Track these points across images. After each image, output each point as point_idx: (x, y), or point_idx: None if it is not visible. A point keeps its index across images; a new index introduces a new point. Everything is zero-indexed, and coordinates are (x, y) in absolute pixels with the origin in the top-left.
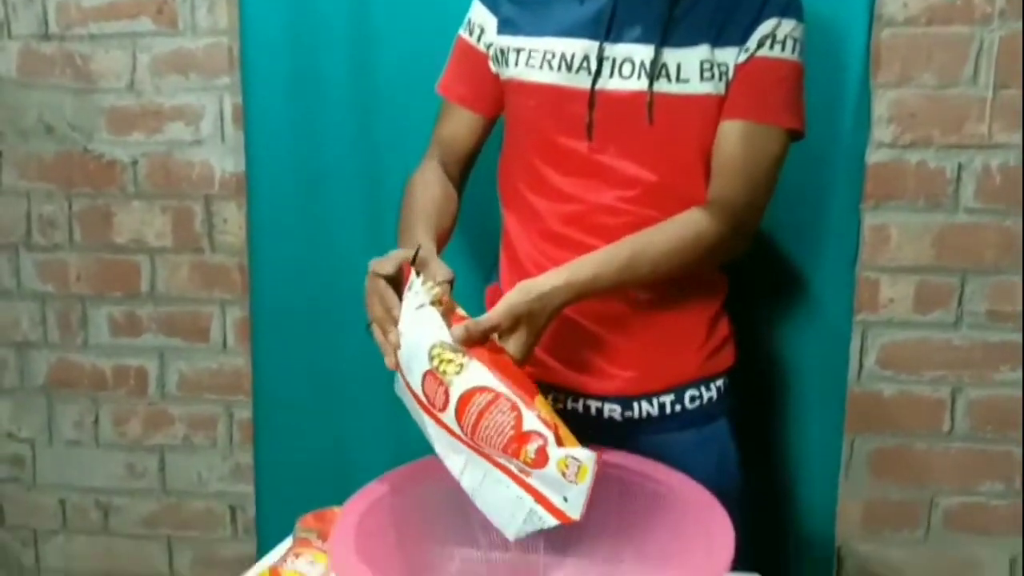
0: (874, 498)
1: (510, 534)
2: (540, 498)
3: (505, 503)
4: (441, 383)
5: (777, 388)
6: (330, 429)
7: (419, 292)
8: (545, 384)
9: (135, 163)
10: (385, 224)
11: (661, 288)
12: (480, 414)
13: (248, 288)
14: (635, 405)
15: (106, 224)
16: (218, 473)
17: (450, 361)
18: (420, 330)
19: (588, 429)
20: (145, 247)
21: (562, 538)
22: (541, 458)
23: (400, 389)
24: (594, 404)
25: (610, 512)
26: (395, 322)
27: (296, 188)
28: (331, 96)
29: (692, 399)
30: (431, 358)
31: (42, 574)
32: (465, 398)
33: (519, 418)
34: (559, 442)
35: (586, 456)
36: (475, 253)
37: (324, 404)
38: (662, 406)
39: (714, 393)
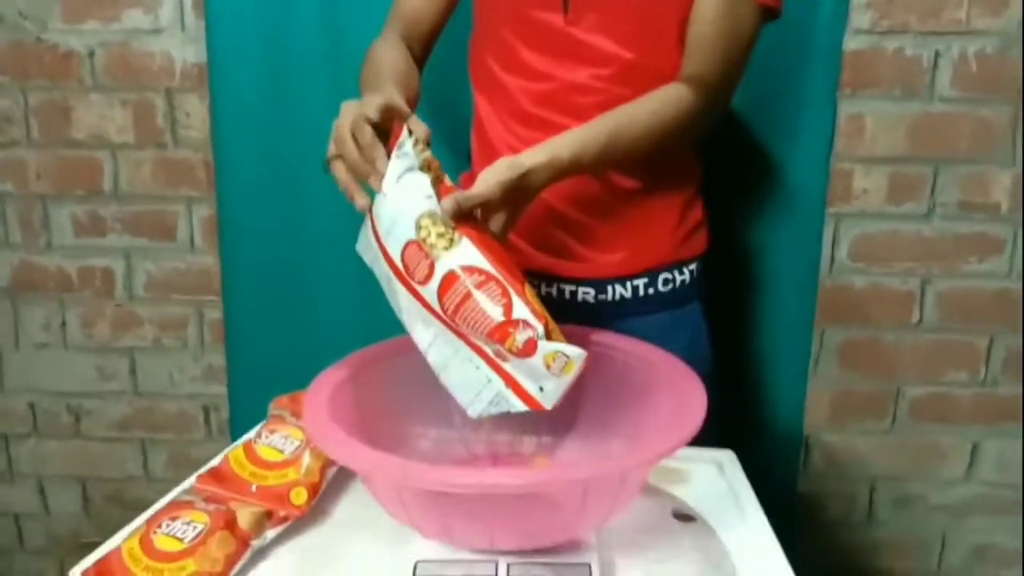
0: (842, 389)
1: (473, 412)
2: (512, 383)
3: (473, 382)
4: (427, 256)
5: (750, 277)
6: (303, 327)
7: (409, 154)
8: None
9: (92, 54)
10: None
11: (635, 171)
12: (467, 295)
13: (214, 185)
14: (609, 288)
15: (64, 119)
16: (190, 374)
17: (440, 235)
18: (407, 196)
19: (562, 312)
20: (106, 143)
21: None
22: (529, 348)
23: (365, 247)
24: (568, 288)
25: (584, 386)
26: (374, 173)
27: (260, 78)
28: None
29: (665, 282)
30: (418, 228)
31: (15, 478)
32: (452, 276)
33: (509, 305)
34: (548, 335)
35: (575, 354)
36: (448, 141)
37: (295, 302)
38: (635, 289)
39: (687, 277)
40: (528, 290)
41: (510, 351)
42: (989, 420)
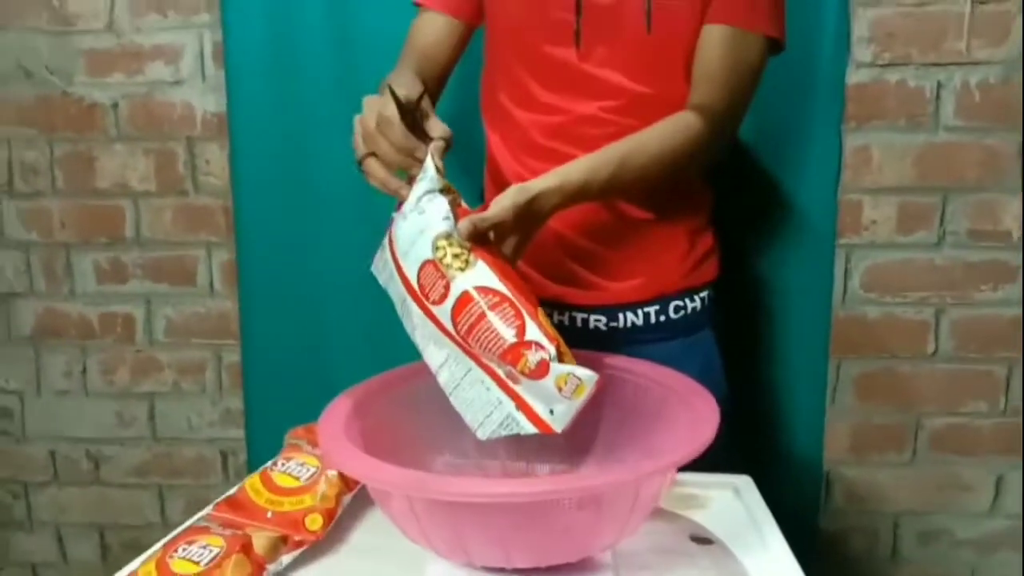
0: (860, 421)
1: (482, 434)
2: (523, 405)
3: (483, 404)
4: (443, 276)
5: (763, 308)
6: (320, 371)
7: (432, 177)
8: None
9: (115, 105)
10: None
11: (646, 199)
12: (481, 316)
13: (233, 230)
14: (620, 315)
15: (88, 169)
16: (208, 419)
17: (456, 255)
18: (427, 217)
19: (574, 340)
20: (128, 191)
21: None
22: (541, 369)
23: (380, 267)
24: (579, 315)
25: (598, 410)
26: (415, 163)
27: (279, 126)
28: (312, 30)
29: (677, 309)
30: (435, 248)
31: (34, 527)
32: (466, 297)
33: (522, 327)
34: (560, 358)
35: (587, 376)
36: (460, 177)
37: (313, 345)
38: (647, 316)
39: (698, 304)
40: (541, 313)
41: (522, 372)
42: (1012, 450)
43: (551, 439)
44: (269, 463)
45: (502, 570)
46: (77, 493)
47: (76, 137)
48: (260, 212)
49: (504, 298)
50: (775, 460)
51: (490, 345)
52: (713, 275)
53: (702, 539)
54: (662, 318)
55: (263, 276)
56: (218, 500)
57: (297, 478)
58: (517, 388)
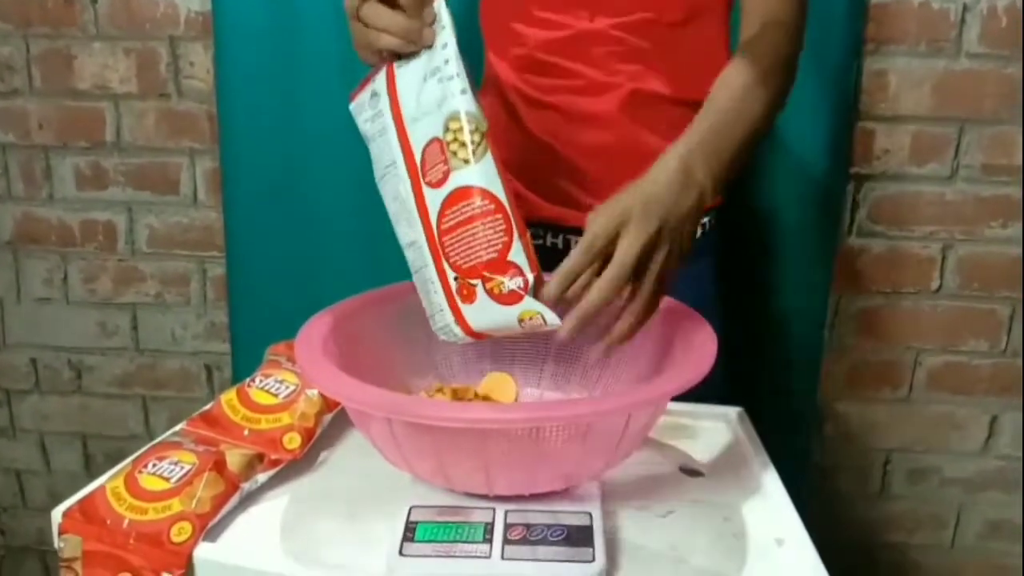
0: (858, 357)
1: (432, 326)
2: (462, 322)
3: (430, 302)
4: (445, 161)
5: (766, 240)
6: (308, 286)
7: (448, 27)
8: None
9: (95, 1)
10: (360, 64)
11: (646, 117)
12: (470, 219)
13: (218, 137)
14: None
15: (67, 68)
16: (193, 332)
17: (463, 144)
18: (447, 87)
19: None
20: (109, 93)
21: (532, 365)
22: (512, 298)
23: (367, 112)
24: (573, 238)
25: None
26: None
27: (267, 26)
28: None
29: None
30: (446, 128)
31: (16, 434)
32: (462, 193)
33: (508, 245)
34: (535, 291)
35: (553, 322)
36: None
37: (301, 259)
38: None
39: (697, 230)
40: (528, 237)
41: (490, 293)
42: (1008, 392)
43: (540, 357)
44: (247, 379)
45: (485, 495)
46: (59, 402)
47: (53, 33)
48: (246, 118)
49: (500, 209)
50: (769, 394)
51: (468, 252)
52: (717, 200)
53: (692, 470)
54: None
55: (249, 186)
56: (193, 415)
57: (275, 395)
58: (463, 306)
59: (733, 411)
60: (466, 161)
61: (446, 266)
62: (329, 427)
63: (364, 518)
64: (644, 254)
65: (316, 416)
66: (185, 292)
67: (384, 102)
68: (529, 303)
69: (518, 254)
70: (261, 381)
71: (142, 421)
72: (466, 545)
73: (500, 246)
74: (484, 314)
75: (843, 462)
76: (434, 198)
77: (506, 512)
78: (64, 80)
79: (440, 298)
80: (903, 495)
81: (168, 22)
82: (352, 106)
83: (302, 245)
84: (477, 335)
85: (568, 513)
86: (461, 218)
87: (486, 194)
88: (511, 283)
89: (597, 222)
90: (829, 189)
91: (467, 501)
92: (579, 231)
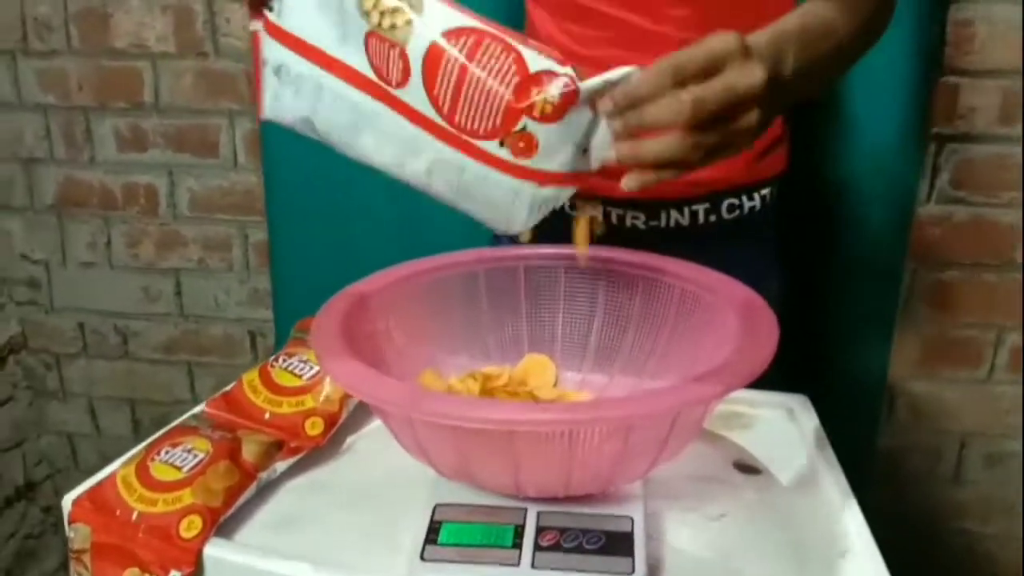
0: (933, 334)
1: (515, 227)
2: (544, 177)
3: (499, 199)
4: (392, 44)
5: (834, 206)
6: (350, 251)
7: None
8: None
9: None
10: None
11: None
12: (463, 69)
13: (256, 97)
14: (662, 213)
15: (103, 26)
16: (236, 298)
17: (393, 11)
18: None
19: (607, 241)
20: (146, 52)
21: (575, 346)
22: (569, 98)
23: (294, 91)
24: (615, 211)
25: (631, 315)
26: None
27: None
28: None
29: (731, 208)
30: (365, 12)
31: (67, 397)
32: (434, 55)
33: (520, 59)
34: (581, 75)
35: (623, 72)
36: None
37: (342, 224)
38: (694, 215)
39: (757, 203)
40: (532, 41)
41: (542, 115)
42: None
43: (582, 338)
44: (272, 358)
45: (514, 495)
46: (107, 366)
47: None
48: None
49: (480, 34)
50: (834, 373)
51: (489, 106)
52: (780, 168)
53: (747, 467)
54: (712, 218)
55: (288, 149)
56: (215, 395)
57: (299, 376)
58: (530, 163)
59: (796, 399)
60: (409, 22)
61: (482, 144)
62: (355, 411)
63: (387, 515)
64: (742, 100)
65: (341, 400)
66: (227, 258)
67: (295, 62)
68: (588, 84)
69: (535, 59)
70: (285, 361)
71: (188, 387)
72: (493, 550)
73: (514, 67)
74: (553, 148)
75: (914, 444)
76: (412, 94)
77: (538, 514)
78: (102, 39)
79: (505, 185)
80: (977, 481)
81: None
82: (267, 116)
83: (344, 210)
84: (568, 178)
85: (607, 517)
86: (453, 81)
87: (455, 34)
88: (555, 89)
89: (709, 44)
90: (906, 151)
91: (497, 499)
92: (619, 204)
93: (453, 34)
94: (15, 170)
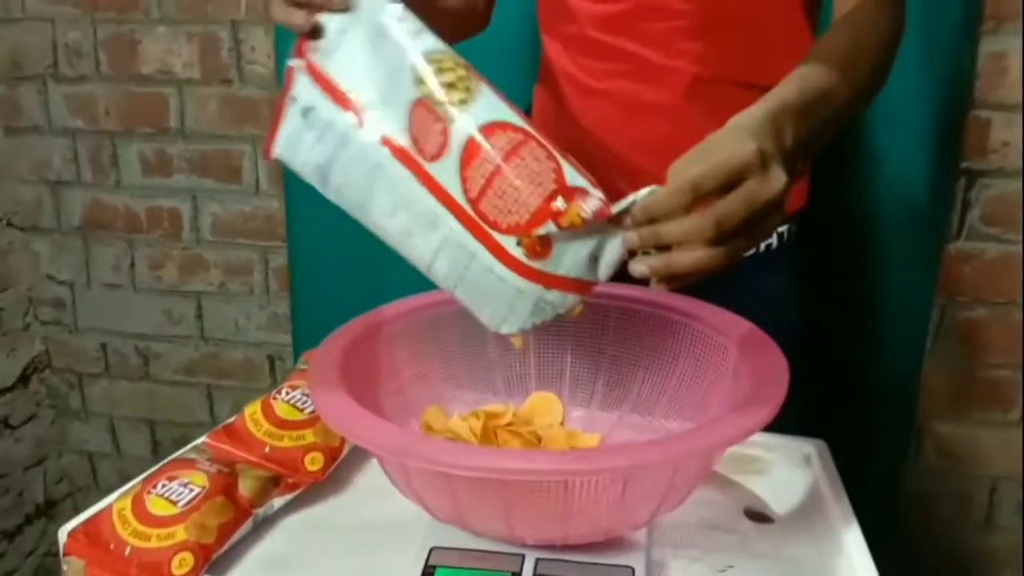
0: (963, 373)
1: (507, 328)
2: (551, 280)
3: (499, 296)
4: (437, 118)
5: (859, 240)
6: (370, 277)
7: None
8: None
9: None
10: None
11: (712, 106)
12: (502, 162)
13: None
14: None
15: (131, 52)
16: (256, 322)
17: (451, 85)
18: (394, 36)
19: (613, 278)
20: (172, 78)
21: (583, 383)
22: (598, 218)
23: (317, 138)
24: None
25: (641, 354)
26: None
27: None
28: None
29: None
30: (420, 81)
31: (89, 417)
32: (477, 141)
33: (558, 171)
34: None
35: (647, 192)
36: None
37: (363, 251)
38: None
39: (774, 241)
40: (571, 156)
41: (569, 225)
42: None
43: (591, 375)
44: (275, 390)
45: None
46: (128, 387)
47: (118, 18)
48: None
49: (528, 136)
50: (859, 411)
51: (518, 203)
52: (800, 203)
53: (759, 515)
54: None
55: None
56: (216, 427)
57: (301, 410)
58: (540, 265)
59: (814, 444)
60: (463, 101)
61: (500, 238)
62: (356, 447)
63: (382, 557)
64: (730, 178)
65: (342, 435)
66: (248, 282)
67: (327, 108)
68: (618, 206)
69: (573, 175)
70: (287, 393)
71: (207, 409)
72: None
73: (552, 175)
74: (566, 253)
75: (942, 489)
76: (444, 171)
77: (536, 561)
78: (129, 65)
79: (509, 283)
80: (1010, 527)
81: (230, 5)
82: (279, 154)
83: (365, 237)
84: (574, 285)
85: (607, 566)
86: (489, 169)
87: (503, 127)
88: (589, 207)
89: (727, 161)
90: (935, 187)
91: (495, 545)
92: None
93: (500, 127)
94: (43, 192)
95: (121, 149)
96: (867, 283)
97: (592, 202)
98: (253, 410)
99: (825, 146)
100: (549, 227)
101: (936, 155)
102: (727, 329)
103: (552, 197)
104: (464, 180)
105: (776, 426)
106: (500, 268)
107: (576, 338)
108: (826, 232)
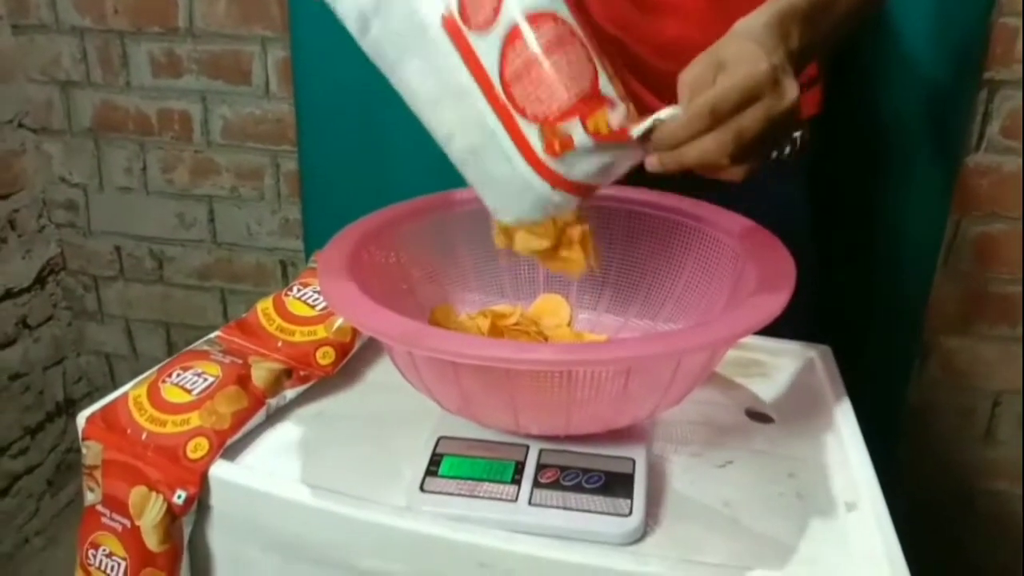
0: (973, 288)
1: (506, 217)
2: (559, 182)
3: (508, 183)
4: None
5: (873, 152)
6: (382, 183)
7: None
8: None
9: None
10: None
11: (736, 6)
12: (544, 50)
13: (288, 24)
14: None
15: None
16: (267, 227)
17: None
18: None
19: (622, 179)
20: None
21: (591, 287)
22: (622, 132)
23: None
24: None
25: (649, 257)
26: None
27: None
28: None
29: None
30: None
31: (104, 319)
32: (526, 23)
33: (595, 74)
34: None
35: (670, 112)
36: None
37: (375, 155)
38: None
39: (787, 146)
40: (607, 62)
41: (595, 132)
42: None
43: (599, 279)
44: (287, 287)
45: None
46: (143, 290)
47: None
48: (317, 4)
49: (573, 32)
50: (866, 324)
51: (550, 94)
52: (814, 109)
53: (759, 415)
54: None
55: (321, 78)
56: (229, 322)
57: (312, 306)
58: (554, 163)
59: (818, 349)
60: None
61: (523, 123)
62: (367, 344)
63: (392, 445)
64: (745, 97)
65: (353, 331)
66: (259, 187)
67: None
68: (639, 129)
69: (607, 85)
70: (299, 290)
71: (221, 312)
72: (492, 485)
73: (589, 76)
74: (581, 158)
75: (946, 402)
76: (487, 44)
77: (540, 451)
78: None
79: (520, 172)
80: (1010, 441)
81: None
82: None
83: (375, 140)
84: (579, 188)
85: (609, 458)
86: (530, 54)
87: (554, 18)
88: (616, 117)
89: (742, 79)
90: (954, 96)
91: (500, 436)
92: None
93: (550, 17)
94: (53, 93)
95: (130, 49)
96: (881, 194)
97: (618, 114)
98: (265, 306)
99: (824, 56)
100: (575, 125)
101: (956, 63)
102: (735, 232)
103: (584, 98)
104: (503, 57)
105: (788, 331)
106: (515, 154)
107: None
108: (842, 141)
